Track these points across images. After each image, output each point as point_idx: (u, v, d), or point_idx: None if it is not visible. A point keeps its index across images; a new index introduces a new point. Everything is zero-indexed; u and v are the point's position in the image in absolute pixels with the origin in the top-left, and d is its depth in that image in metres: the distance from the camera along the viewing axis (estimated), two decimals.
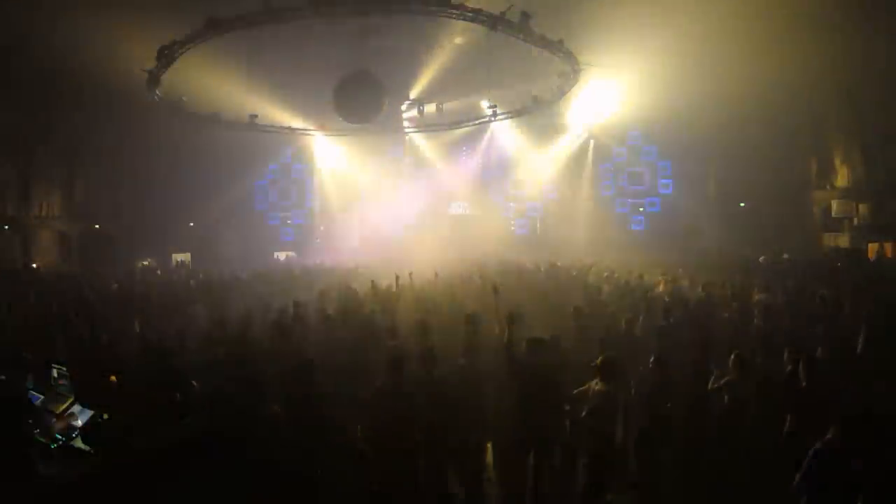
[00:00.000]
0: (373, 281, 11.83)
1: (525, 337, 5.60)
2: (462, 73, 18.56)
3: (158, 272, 20.51)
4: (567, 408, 5.50)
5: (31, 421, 4.31)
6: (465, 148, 27.08)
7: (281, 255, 26.52)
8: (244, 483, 3.92)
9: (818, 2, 13.95)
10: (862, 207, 18.78)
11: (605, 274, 13.53)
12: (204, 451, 3.95)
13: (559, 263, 16.01)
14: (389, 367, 5.28)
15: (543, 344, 5.53)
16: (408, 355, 5.65)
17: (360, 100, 16.41)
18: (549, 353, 5.57)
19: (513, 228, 27.88)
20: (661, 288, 11.50)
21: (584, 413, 5.15)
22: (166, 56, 14.29)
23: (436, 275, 12.47)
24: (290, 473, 4.27)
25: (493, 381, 5.81)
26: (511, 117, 21.12)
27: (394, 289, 10.99)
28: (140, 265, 23.48)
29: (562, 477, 5.66)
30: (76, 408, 4.48)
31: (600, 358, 5.26)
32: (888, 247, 17.56)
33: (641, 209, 25.96)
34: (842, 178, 19.94)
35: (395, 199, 27.51)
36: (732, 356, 5.69)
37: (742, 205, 22.32)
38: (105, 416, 4.26)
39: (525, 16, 13.28)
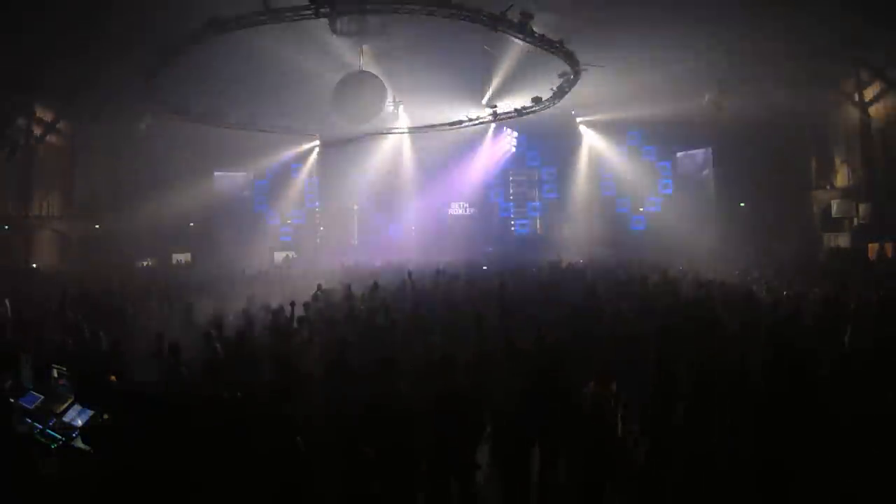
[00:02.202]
0: (375, 282, 11.82)
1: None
2: (463, 72, 18.54)
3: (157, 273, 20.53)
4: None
5: (26, 420, 4.31)
6: (465, 148, 27.09)
7: (281, 255, 26.53)
8: (243, 482, 3.91)
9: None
10: (862, 207, 18.75)
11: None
12: (203, 451, 3.94)
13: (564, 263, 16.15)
14: (385, 368, 5.30)
15: (546, 342, 5.63)
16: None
17: (360, 100, 16.39)
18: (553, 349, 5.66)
19: (513, 228, 27.89)
20: None
21: (582, 413, 5.14)
22: (166, 56, 14.30)
23: (437, 273, 12.48)
24: (288, 474, 4.26)
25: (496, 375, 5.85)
26: (511, 118, 21.13)
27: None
28: (140, 265, 23.48)
29: (564, 473, 5.65)
30: (76, 408, 4.48)
31: (597, 358, 5.26)
32: (888, 247, 17.53)
33: (641, 209, 25.94)
34: (842, 178, 19.91)
35: (395, 199, 27.55)
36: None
37: (742, 204, 22.30)
38: (105, 416, 4.26)
39: (525, 16, 13.27)
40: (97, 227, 24.19)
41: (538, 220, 27.79)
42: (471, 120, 22.33)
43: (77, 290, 13.16)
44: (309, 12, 12.99)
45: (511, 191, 28.04)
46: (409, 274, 11.87)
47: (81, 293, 12.84)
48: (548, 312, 8.60)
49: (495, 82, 18.76)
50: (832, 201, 19.77)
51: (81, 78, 17.09)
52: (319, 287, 11.28)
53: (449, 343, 6.88)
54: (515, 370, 5.68)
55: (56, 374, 4.97)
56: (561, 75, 17.47)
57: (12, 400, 4.61)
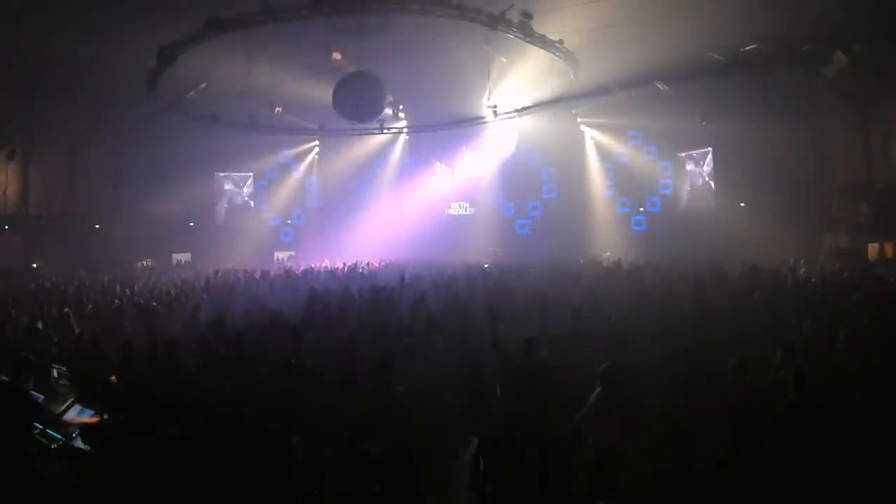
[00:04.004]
0: (372, 285, 11.76)
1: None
2: (463, 72, 18.53)
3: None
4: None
5: (36, 420, 4.31)
6: (465, 148, 27.07)
7: (281, 255, 26.53)
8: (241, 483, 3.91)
9: None
10: (862, 207, 18.74)
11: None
12: (202, 451, 3.94)
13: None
14: (378, 368, 5.31)
15: (536, 343, 5.61)
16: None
17: (361, 99, 16.37)
18: (543, 351, 5.63)
19: (513, 228, 27.89)
20: None
21: (581, 420, 5.12)
22: (166, 56, 14.28)
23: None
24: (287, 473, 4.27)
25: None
26: (511, 117, 21.09)
27: None
28: (140, 265, 23.48)
29: (563, 480, 5.63)
30: (76, 408, 4.47)
31: (602, 367, 5.21)
32: (888, 247, 17.52)
33: (642, 209, 25.93)
34: (842, 178, 19.91)
35: (396, 199, 27.54)
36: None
37: (742, 204, 22.31)
38: (105, 416, 4.26)
39: (525, 15, 13.25)
40: (97, 227, 24.21)
41: (538, 220, 27.76)
42: (471, 120, 22.28)
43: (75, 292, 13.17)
44: (308, 12, 12.99)
45: (511, 191, 28.01)
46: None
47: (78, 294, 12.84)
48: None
49: (495, 82, 18.75)
50: (832, 201, 19.77)
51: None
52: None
53: None
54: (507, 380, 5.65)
55: (56, 374, 4.97)
56: (561, 75, 17.42)
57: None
